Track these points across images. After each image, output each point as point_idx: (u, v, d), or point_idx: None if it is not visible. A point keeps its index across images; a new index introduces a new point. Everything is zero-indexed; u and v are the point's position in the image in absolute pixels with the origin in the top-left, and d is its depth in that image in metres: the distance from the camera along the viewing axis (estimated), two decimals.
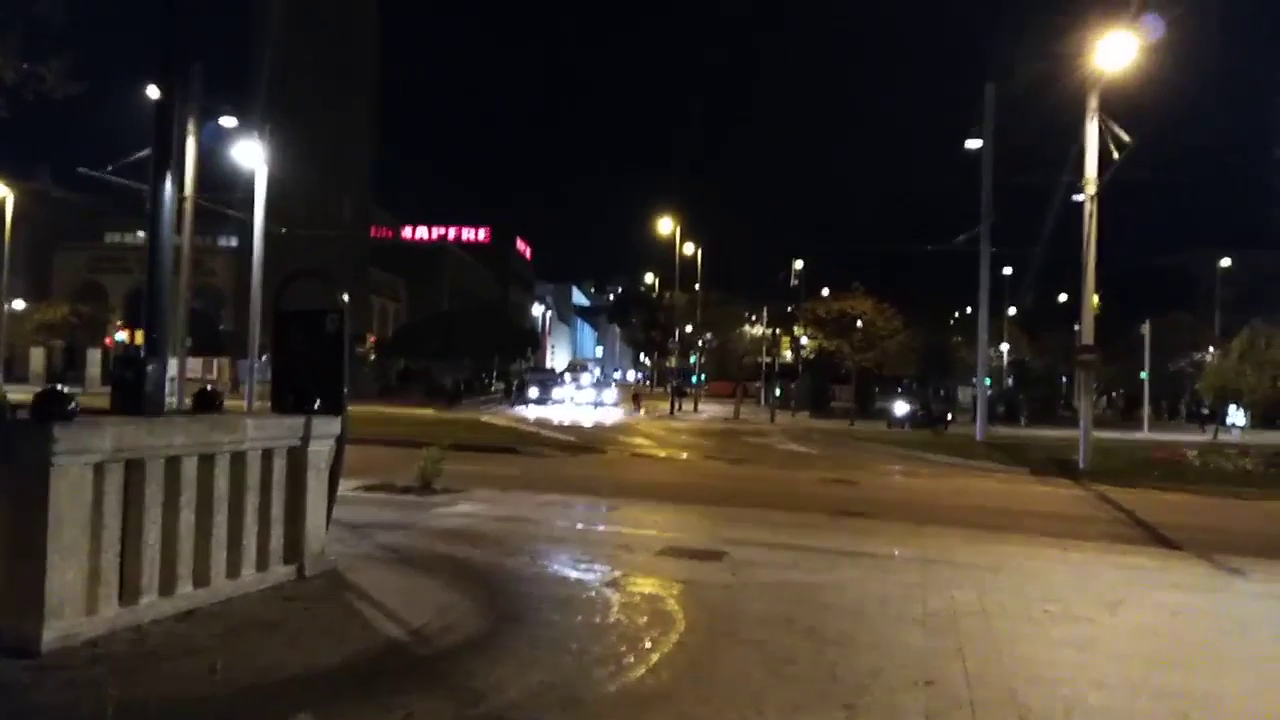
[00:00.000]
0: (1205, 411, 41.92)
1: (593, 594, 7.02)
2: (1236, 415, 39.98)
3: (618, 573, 7.70)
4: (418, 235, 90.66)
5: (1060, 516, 14.40)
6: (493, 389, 52.85)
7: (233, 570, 6.16)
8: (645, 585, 7.35)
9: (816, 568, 8.35)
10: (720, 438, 29.88)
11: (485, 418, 34.17)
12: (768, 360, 57.04)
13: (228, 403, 8.79)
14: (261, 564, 6.43)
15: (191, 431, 5.92)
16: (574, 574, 7.72)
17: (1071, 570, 8.85)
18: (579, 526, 10.52)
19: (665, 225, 45.68)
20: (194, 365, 37.44)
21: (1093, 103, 19.71)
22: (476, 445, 20.43)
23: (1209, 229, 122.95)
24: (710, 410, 46.91)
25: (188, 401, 22.69)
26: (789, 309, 55.73)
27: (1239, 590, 8.40)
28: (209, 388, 8.16)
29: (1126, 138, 19.38)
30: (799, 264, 54.19)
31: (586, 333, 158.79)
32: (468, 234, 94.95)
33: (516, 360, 70.48)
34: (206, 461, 5.94)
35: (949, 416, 38.38)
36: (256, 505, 6.37)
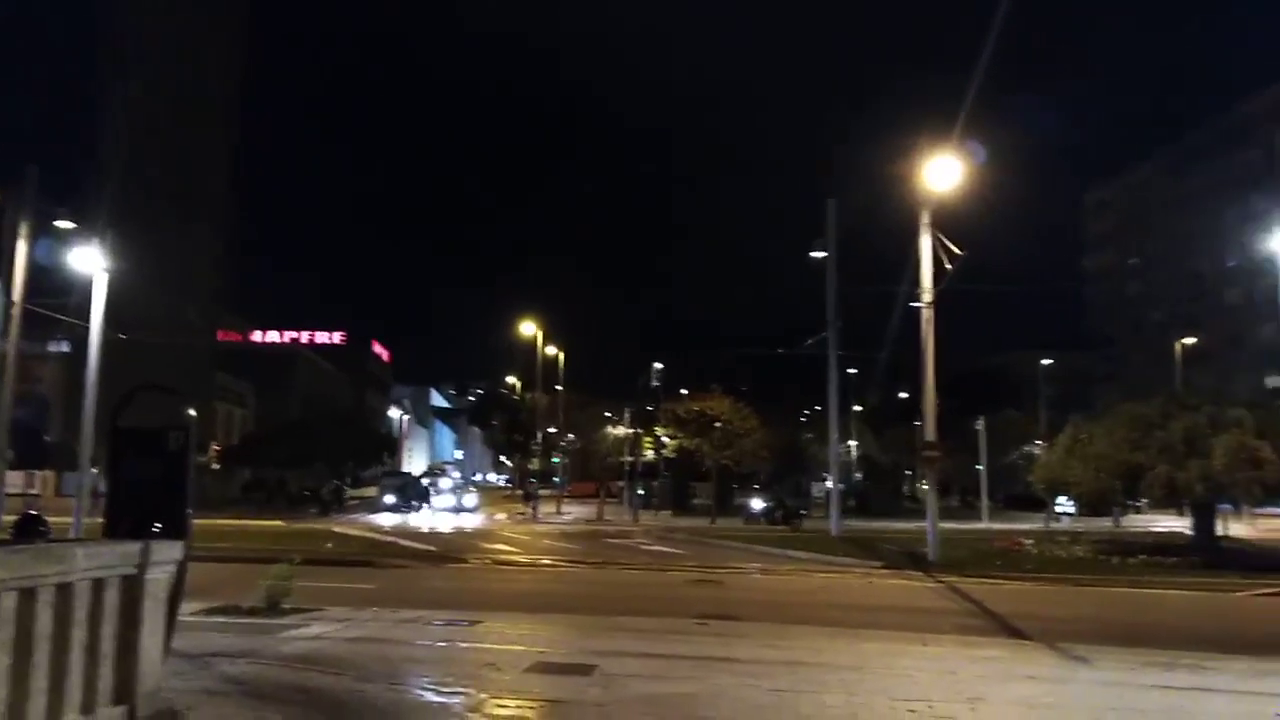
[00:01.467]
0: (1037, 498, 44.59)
1: None
2: (1066, 505, 42.72)
3: (484, 695, 7.38)
4: (269, 338, 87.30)
5: (916, 610, 14.84)
6: (349, 496, 50.73)
7: (52, 715, 5.53)
8: (513, 708, 7.07)
9: (689, 677, 8.25)
10: (584, 540, 29.52)
11: (339, 528, 32.62)
12: (630, 460, 57.26)
13: (50, 518, 8.07)
14: (87, 706, 5.79)
15: (11, 565, 5.37)
16: (437, 699, 7.34)
17: (932, 666, 9.08)
18: (441, 644, 10.06)
19: (527, 328, 45.85)
20: (15, 479, 34.29)
21: (925, 219, 21.31)
22: (329, 559, 19.42)
23: (1031, 332, 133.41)
24: (574, 511, 46.43)
25: (7, 519, 20.87)
26: (650, 409, 56.44)
27: (1087, 679, 8.81)
28: (32, 511, 7.48)
29: (957, 250, 20.97)
30: (659, 366, 55.21)
31: (445, 435, 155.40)
32: (322, 337, 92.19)
33: (372, 465, 68.04)
34: (28, 596, 5.38)
35: (803, 512, 39.54)
36: (84, 641, 5.78)
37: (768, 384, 64.79)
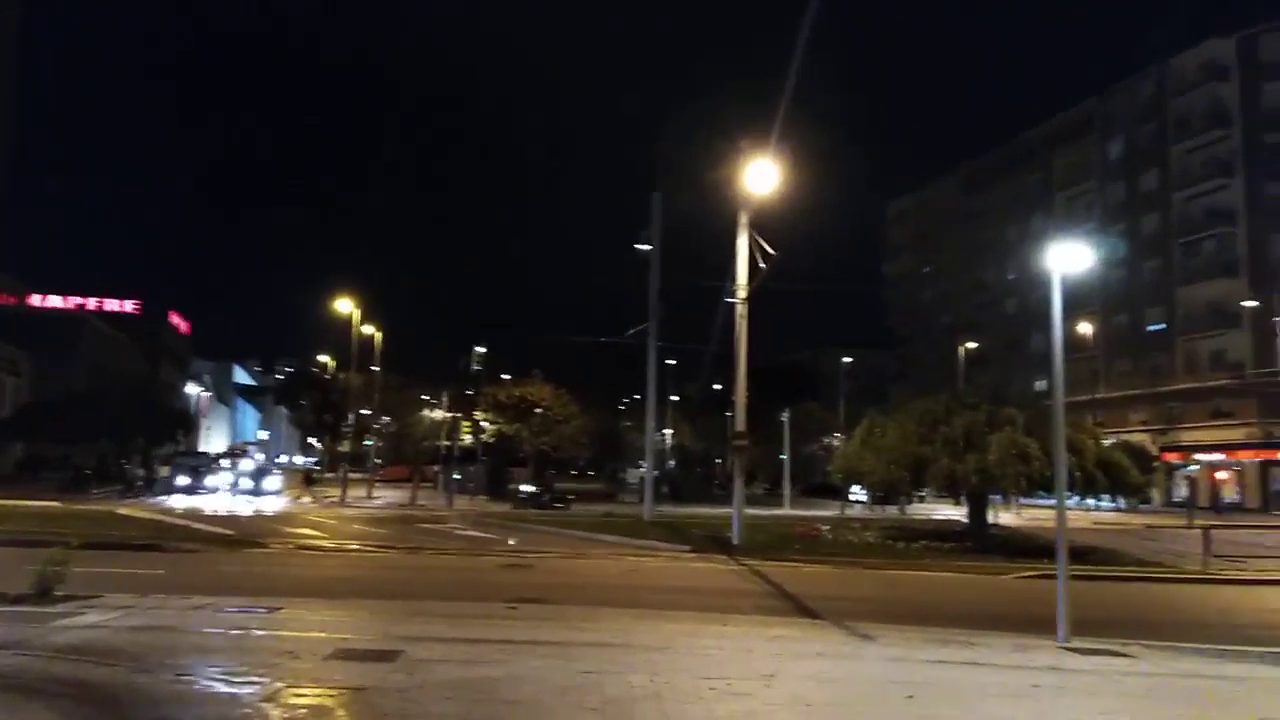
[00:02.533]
0: (834, 486, 47.41)
1: (248, 711, 6.38)
2: (860, 493, 45.65)
3: (280, 684, 7.07)
4: (49, 303, 79.33)
5: (719, 592, 15.45)
6: (137, 477, 46.95)
7: None
8: (311, 696, 6.81)
9: (496, 660, 8.23)
10: (395, 525, 28.76)
11: (124, 510, 30.22)
12: (447, 444, 56.23)
13: None
14: None
15: None
16: (226, 690, 6.97)
17: (732, 645, 9.49)
18: (235, 633, 9.54)
19: (343, 305, 43.93)
20: None
21: (743, 219, 22.11)
22: (112, 542, 17.99)
23: (835, 331, 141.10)
24: (386, 496, 45.10)
25: None
26: (469, 393, 55.59)
27: (872, 655, 9.46)
28: None
29: (771, 250, 21.90)
30: (481, 350, 54.46)
31: (249, 414, 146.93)
32: (112, 304, 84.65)
33: (165, 444, 63.39)
34: None
35: (570, 497, 41.03)
36: None
37: (591, 372, 65.44)
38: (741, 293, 22.55)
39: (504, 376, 53.54)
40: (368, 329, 47.18)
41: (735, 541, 22.04)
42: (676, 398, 67.69)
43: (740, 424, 23.34)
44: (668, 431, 61.94)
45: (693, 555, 21.36)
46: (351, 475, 46.00)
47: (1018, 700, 7.43)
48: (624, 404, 74.16)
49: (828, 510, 41.14)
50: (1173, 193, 65.80)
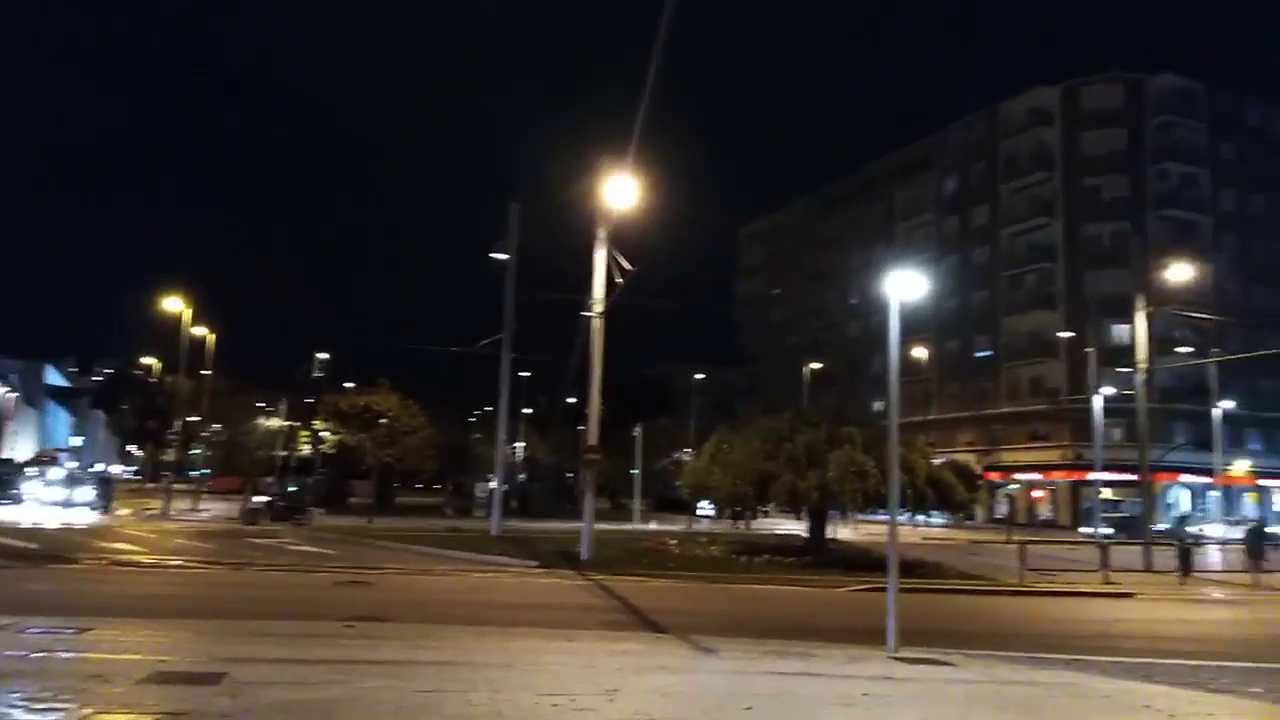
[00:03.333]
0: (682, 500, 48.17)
1: None
2: (708, 508, 46.56)
3: (87, 710, 6.50)
4: None
5: (565, 607, 15.36)
6: None
7: None
8: None
9: (330, 681, 7.85)
10: (223, 539, 27.19)
11: None
12: (283, 454, 53.71)
13: None
14: None
15: None
16: (26, 717, 6.35)
17: (576, 661, 9.42)
18: (37, 655, 8.71)
19: (173, 304, 41.22)
20: None
21: (601, 234, 22.22)
22: None
23: (689, 347, 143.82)
24: (215, 508, 42.62)
25: None
26: (310, 401, 53.33)
27: (713, 668, 9.58)
28: None
29: (628, 265, 22.08)
30: (323, 356, 52.40)
31: (61, 419, 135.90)
32: None
33: None
34: None
35: (309, 510, 38.38)
36: None
37: (442, 382, 64.17)
38: (598, 307, 22.62)
39: (347, 385, 51.69)
40: (199, 330, 44.52)
41: (584, 557, 21.99)
42: (530, 410, 67.20)
43: (592, 438, 23.36)
44: (520, 444, 61.36)
45: (540, 571, 21.17)
46: (177, 486, 43.28)
47: (849, 709, 7.69)
48: (475, 416, 73.03)
49: (676, 525, 41.72)
50: (1001, 228, 70.71)
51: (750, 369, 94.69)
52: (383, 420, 44.90)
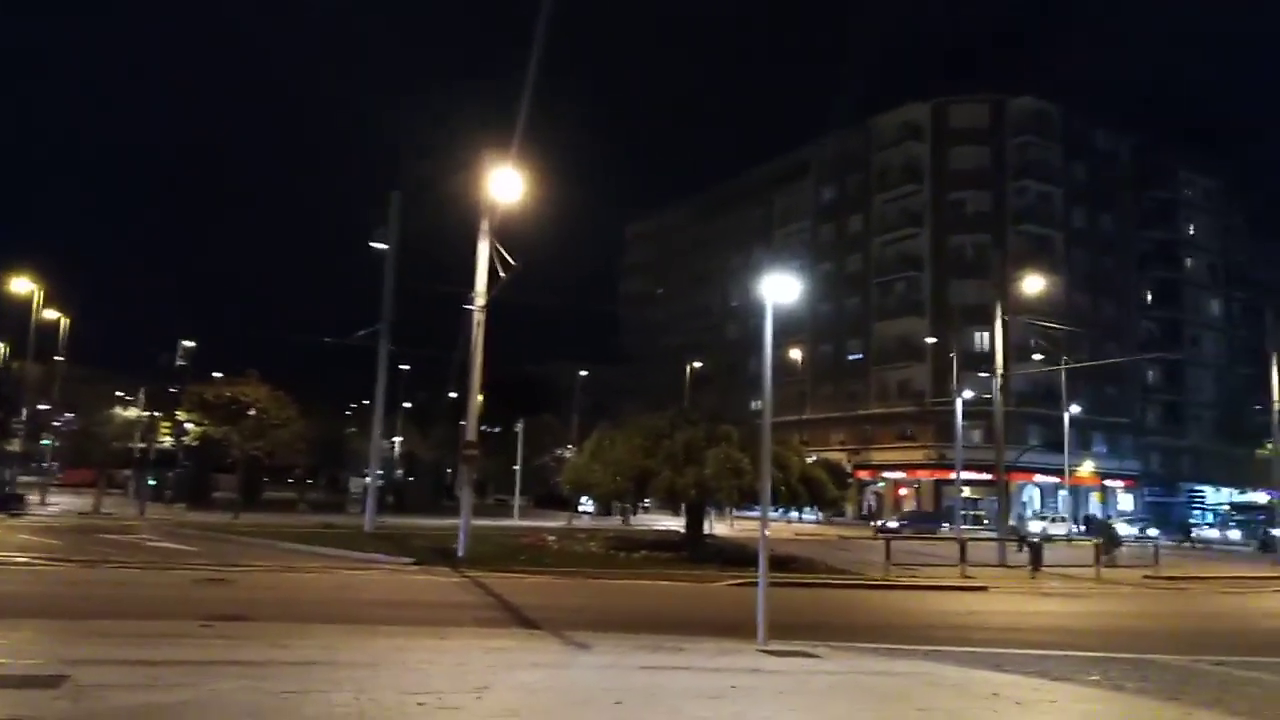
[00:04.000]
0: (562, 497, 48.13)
1: None
2: (588, 504, 46.65)
3: None
4: None
5: (439, 604, 15.10)
6: None
7: None
8: None
9: (182, 684, 7.48)
10: (74, 535, 25.58)
11: None
12: (142, 446, 50.92)
13: None
14: None
15: None
16: None
17: (446, 659, 9.27)
18: None
19: (22, 284, 38.44)
20: None
21: (485, 226, 21.93)
22: None
23: (574, 344, 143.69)
24: (64, 502, 40.05)
25: None
26: (173, 391, 50.65)
27: (585, 663, 9.60)
28: None
29: (511, 260, 21.87)
30: (188, 343, 49.83)
31: None
32: None
33: None
34: None
35: (22, 499, 35.94)
36: None
37: (318, 375, 62.17)
38: (480, 300, 22.33)
39: (215, 375, 49.38)
40: (52, 314, 41.72)
41: (460, 553, 21.68)
42: (410, 405, 65.84)
43: (471, 434, 23.04)
44: (397, 439, 60.02)
45: (415, 568, 20.75)
46: (24, 479, 40.47)
47: (716, 701, 7.84)
48: (352, 409, 71.04)
49: (556, 521, 41.61)
50: (873, 237, 73.42)
51: (634, 368, 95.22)
52: (251, 412, 43.06)
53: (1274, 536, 41.30)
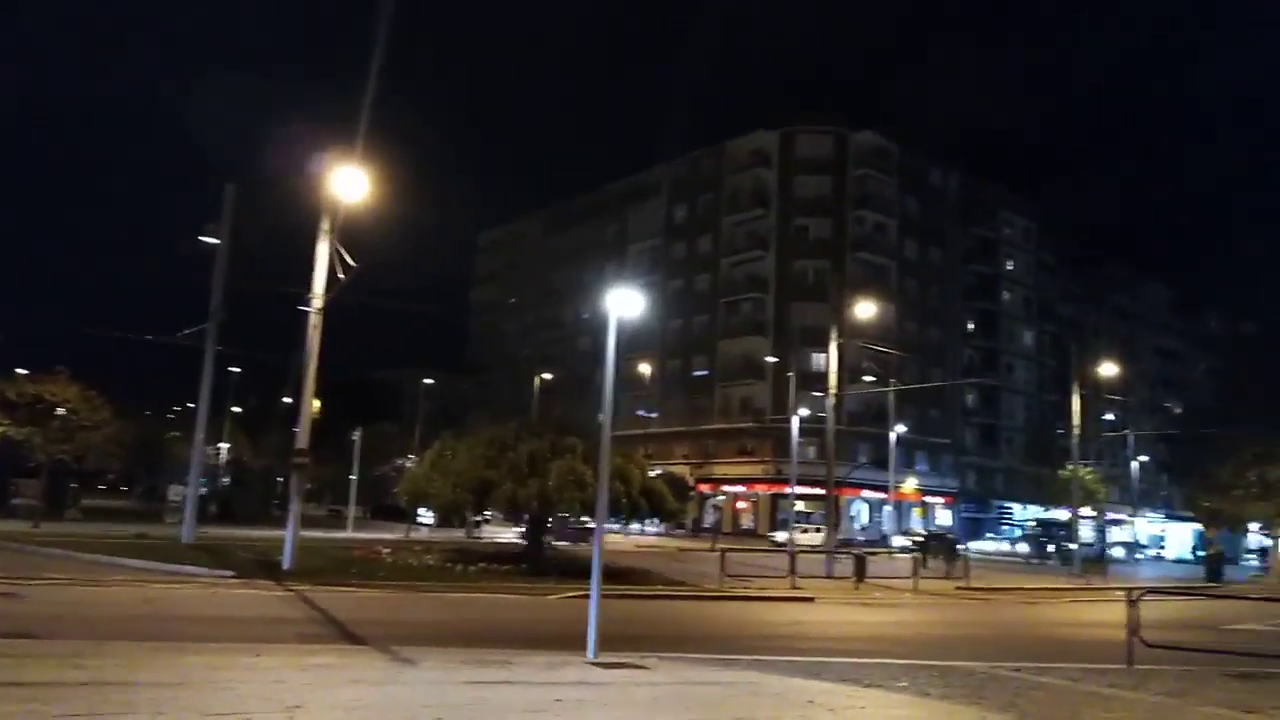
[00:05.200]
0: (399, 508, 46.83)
1: None
2: (428, 516, 45.57)
3: None
4: None
5: (260, 620, 14.37)
6: None
7: None
8: None
9: None
10: None
11: None
12: None
13: None
14: None
15: None
16: None
17: (260, 677, 8.81)
18: None
19: None
20: None
21: (325, 225, 21.14)
22: None
23: (421, 352, 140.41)
24: None
25: None
26: None
27: (410, 679, 9.33)
28: None
29: (353, 262, 21.16)
30: None
31: None
32: None
33: None
34: None
35: None
36: None
37: (139, 376, 58.16)
38: (317, 302, 21.49)
39: (20, 371, 45.40)
40: None
41: (286, 566, 20.72)
42: (239, 410, 62.49)
43: (303, 440, 22.11)
44: (224, 445, 56.83)
45: (236, 581, 19.65)
46: None
47: (540, 715, 7.79)
48: (175, 413, 66.84)
49: (393, 533, 40.40)
50: (722, 258, 75.51)
51: (482, 378, 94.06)
52: (59, 412, 39.79)
53: (1071, 551, 44.94)
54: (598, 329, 11.73)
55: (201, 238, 27.09)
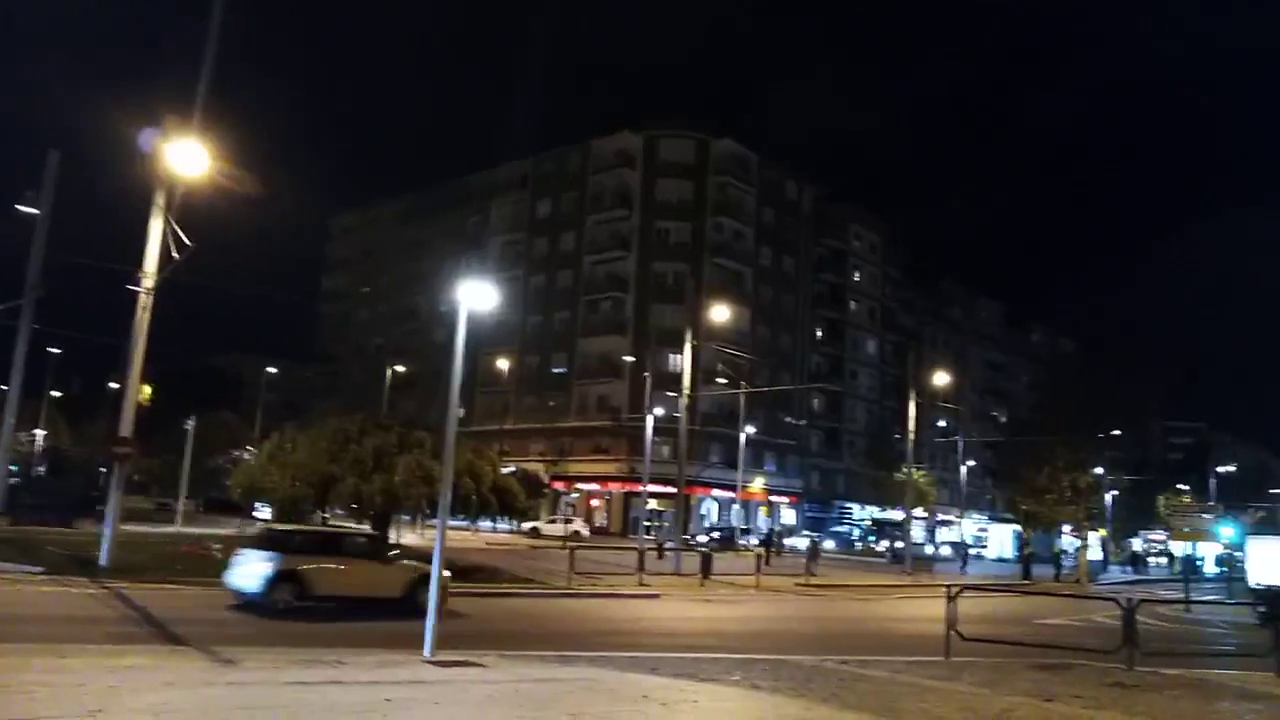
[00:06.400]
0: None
1: None
2: (265, 511, 43.52)
3: None
4: None
5: (69, 619, 13.42)
6: None
7: None
8: None
9: None
10: None
11: None
12: None
13: None
14: None
15: None
16: None
17: (61, 679, 8.21)
18: None
19: None
20: None
21: (159, 200, 19.86)
22: None
23: (264, 339, 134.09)
24: None
25: None
26: None
27: (229, 680, 8.91)
28: None
29: (187, 240, 19.98)
30: None
31: None
32: None
33: None
34: None
35: None
36: None
37: None
38: (148, 281, 20.19)
39: None
40: None
41: (104, 562, 19.36)
42: (60, 394, 58.11)
43: (126, 428, 20.72)
44: (39, 432, 52.63)
45: (45, 578, 18.24)
46: None
47: (366, 715, 7.60)
48: None
49: (227, 529, 38.39)
50: (585, 256, 75.56)
51: (332, 367, 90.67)
52: None
53: (901, 550, 47.41)
54: (454, 322, 11.57)
55: (19, 206, 25.00)
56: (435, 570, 11.27)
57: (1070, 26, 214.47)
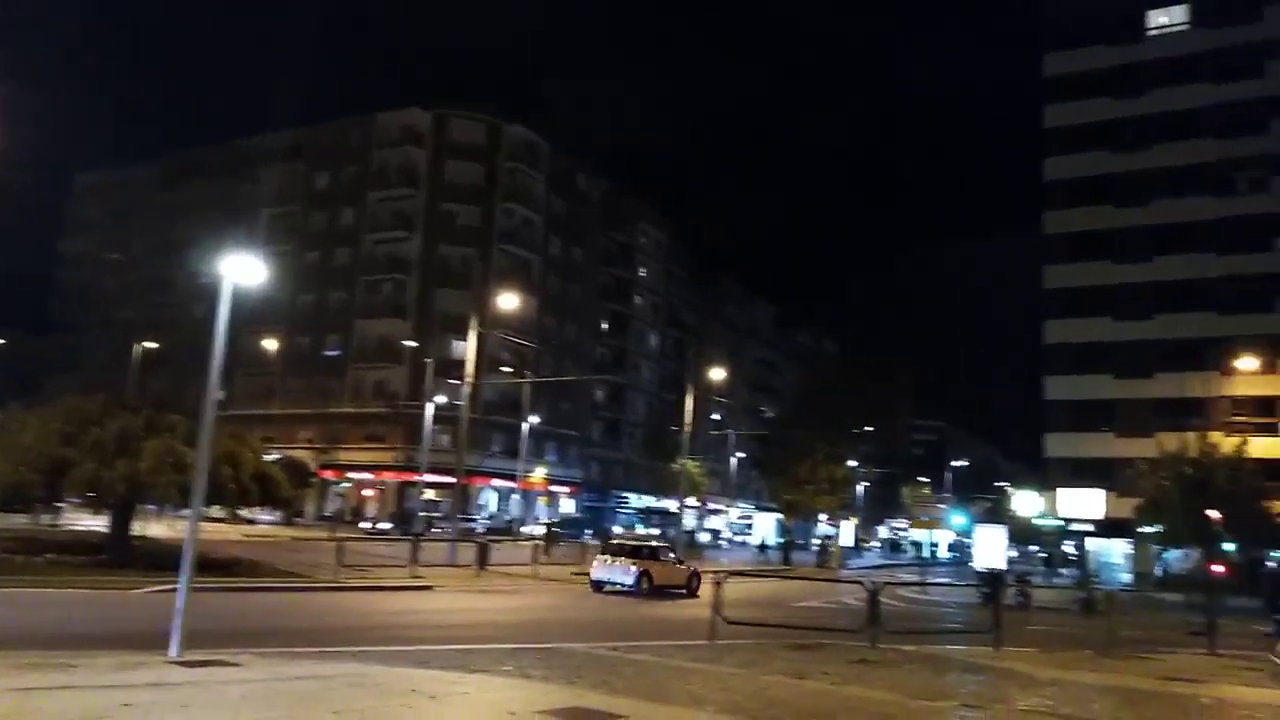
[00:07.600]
0: None
1: None
2: None
3: None
4: None
5: None
6: None
7: None
8: None
9: None
10: None
11: None
12: None
13: None
14: None
15: None
16: None
17: None
18: None
19: None
20: None
21: None
22: None
23: None
24: None
25: None
26: None
27: None
28: None
29: None
30: None
31: None
32: None
33: None
34: None
35: None
36: None
37: None
38: None
39: None
40: None
41: None
42: None
43: None
44: None
45: None
46: None
47: None
48: None
49: None
50: (365, 234, 72.63)
51: (71, 340, 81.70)
52: None
53: (674, 537, 49.10)
54: (216, 296, 10.77)
55: None
56: (185, 562, 10.44)
57: (847, 45, 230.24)
